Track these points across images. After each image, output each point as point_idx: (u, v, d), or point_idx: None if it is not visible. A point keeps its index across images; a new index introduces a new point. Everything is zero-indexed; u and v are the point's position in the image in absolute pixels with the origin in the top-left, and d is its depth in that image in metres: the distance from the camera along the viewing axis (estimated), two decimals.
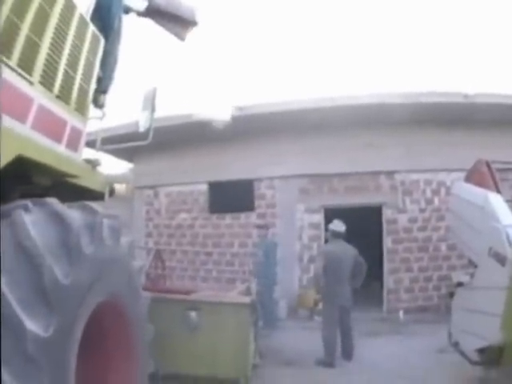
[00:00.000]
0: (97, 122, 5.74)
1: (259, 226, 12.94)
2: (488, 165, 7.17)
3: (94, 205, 4.00)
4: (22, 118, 3.69)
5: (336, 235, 9.38)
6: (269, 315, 11.34)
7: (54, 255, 3.19)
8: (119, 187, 6.18)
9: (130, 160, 17.47)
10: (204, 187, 15.65)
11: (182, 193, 16.05)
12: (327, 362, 8.80)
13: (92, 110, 5.35)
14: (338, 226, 9.50)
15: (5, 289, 2.87)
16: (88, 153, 5.26)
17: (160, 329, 5.38)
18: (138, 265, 4.97)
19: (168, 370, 6.78)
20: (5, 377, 2.75)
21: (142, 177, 16.42)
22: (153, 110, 5.97)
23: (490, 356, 6.00)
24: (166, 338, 6.20)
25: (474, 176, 7.38)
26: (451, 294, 7.50)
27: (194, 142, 14.68)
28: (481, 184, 6.91)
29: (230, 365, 7.21)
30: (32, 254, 3.08)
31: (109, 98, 5.87)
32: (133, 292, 4.60)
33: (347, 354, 9.15)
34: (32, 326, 2.92)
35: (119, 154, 16.45)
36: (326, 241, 9.72)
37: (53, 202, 3.55)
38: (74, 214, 3.58)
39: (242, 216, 15.07)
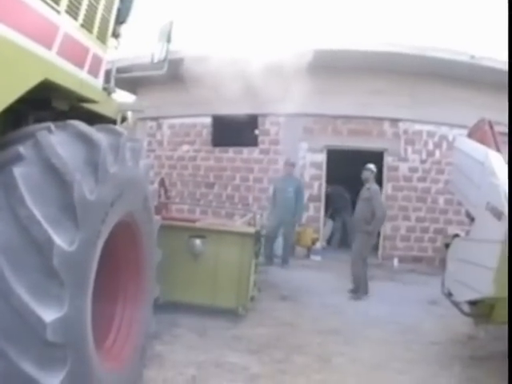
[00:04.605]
0: (112, 51, 5.86)
1: (288, 163, 13.02)
2: (490, 125, 7.18)
3: (117, 127, 4.14)
4: (48, 45, 3.81)
5: (375, 177, 9.94)
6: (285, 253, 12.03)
7: (82, 172, 3.29)
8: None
9: (133, 91, 17.42)
10: (208, 120, 15.70)
11: (186, 125, 16.12)
12: (364, 291, 9.71)
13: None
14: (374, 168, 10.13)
15: (32, 206, 2.98)
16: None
17: (163, 256, 5.49)
18: (152, 188, 5.14)
19: (168, 298, 7.01)
20: (24, 295, 2.86)
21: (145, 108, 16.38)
22: (168, 41, 6.05)
23: (481, 309, 6.15)
24: (169, 266, 6.30)
25: (476, 133, 7.40)
26: (447, 245, 7.57)
27: (199, 74, 14.64)
28: (482, 142, 6.92)
29: (229, 294, 7.48)
30: (61, 172, 3.16)
31: (125, 29, 5.99)
32: (147, 214, 4.75)
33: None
34: (59, 240, 3.01)
35: (123, 84, 16.38)
36: (362, 182, 10.10)
37: (75, 123, 3.65)
38: (98, 134, 3.67)
39: (245, 151, 15.21)
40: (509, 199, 5.21)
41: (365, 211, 9.89)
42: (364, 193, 10.12)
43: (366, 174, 10.12)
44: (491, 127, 7.14)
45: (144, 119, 16.39)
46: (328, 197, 15.11)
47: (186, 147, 16.10)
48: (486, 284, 5.31)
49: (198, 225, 7.99)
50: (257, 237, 7.87)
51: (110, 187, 3.63)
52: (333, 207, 15.80)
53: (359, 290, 9.71)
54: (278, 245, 12.86)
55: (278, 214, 12.21)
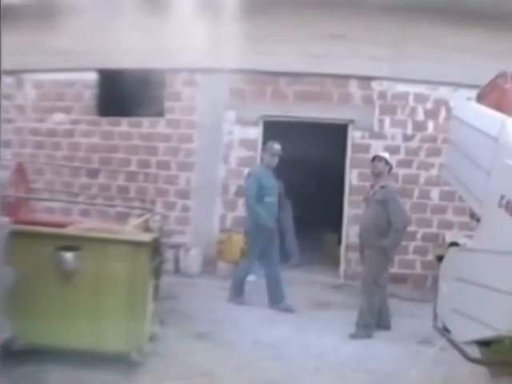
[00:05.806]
0: None
1: (274, 154, 12.51)
2: None
3: None
4: None
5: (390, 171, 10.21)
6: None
7: None
8: None
9: None
10: (92, 77, 15.40)
11: (59, 83, 15.71)
12: (367, 334, 9.59)
13: None
14: None
15: None
16: None
17: (19, 277, 5.40)
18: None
19: (28, 340, 6.74)
20: None
21: None
22: None
23: (498, 354, 5.75)
24: (27, 292, 6.20)
25: (492, 94, 7.08)
26: (439, 258, 7.12)
27: (78, 6, 14.27)
28: (500, 106, 6.46)
29: (117, 332, 7.26)
30: None
31: None
32: None
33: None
34: None
35: None
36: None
37: None
38: None
39: (146, 123, 15.01)
40: None
41: (378, 218, 9.82)
42: (377, 193, 10.02)
43: (378, 167, 10.11)
44: None
45: None
46: None
47: (59, 116, 15.73)
48: (503, 316, 4.84)
49: (68, 231, 7.78)
50: (156, 248, 7.70)
51: None
52: None
53: (369, 325, 9.69)
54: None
55: (269, 216, 11.74)
